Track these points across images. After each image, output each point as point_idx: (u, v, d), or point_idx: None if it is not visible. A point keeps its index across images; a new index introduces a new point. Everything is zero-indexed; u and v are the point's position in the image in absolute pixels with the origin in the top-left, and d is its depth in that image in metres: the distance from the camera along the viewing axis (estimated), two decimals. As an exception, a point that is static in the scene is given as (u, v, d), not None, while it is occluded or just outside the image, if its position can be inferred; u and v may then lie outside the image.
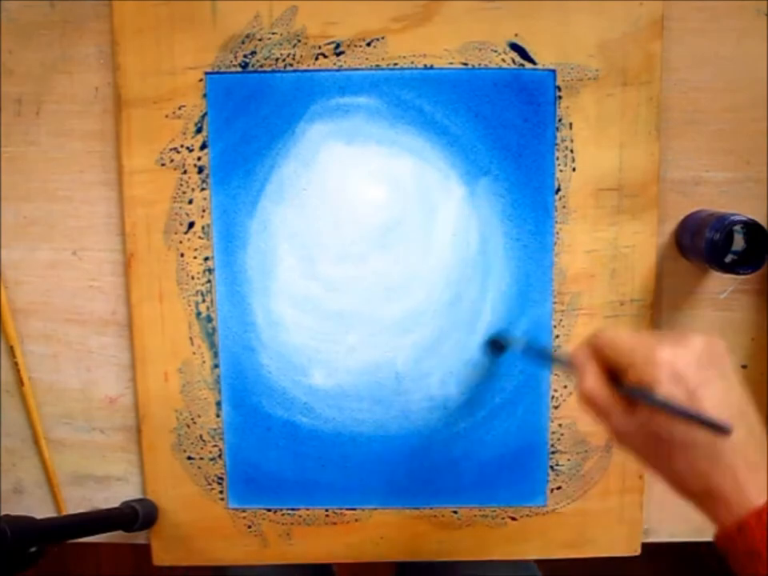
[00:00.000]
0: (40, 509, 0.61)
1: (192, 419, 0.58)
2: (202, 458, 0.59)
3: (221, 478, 0.59)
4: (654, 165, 0.55)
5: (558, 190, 0.55)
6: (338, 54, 0.54)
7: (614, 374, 0.39)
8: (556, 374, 0.57)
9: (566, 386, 0.57)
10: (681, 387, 0.36)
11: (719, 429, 0.34)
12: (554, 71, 0.54)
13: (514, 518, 0.59)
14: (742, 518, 0.35)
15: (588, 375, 0.40)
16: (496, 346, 0.56)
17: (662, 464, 0.38)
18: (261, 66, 0.54)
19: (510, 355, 0.56)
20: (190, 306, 0.57)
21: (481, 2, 0.53)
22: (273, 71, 0.54)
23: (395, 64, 0.54)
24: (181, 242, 0.56)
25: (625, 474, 0.58)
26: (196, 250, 0.56)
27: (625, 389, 0.38)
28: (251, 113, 0.55)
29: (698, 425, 0.35)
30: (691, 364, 0.36)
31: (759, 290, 0.57)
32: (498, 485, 0.59)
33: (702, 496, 0.37)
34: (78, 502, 0.61)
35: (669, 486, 0.39)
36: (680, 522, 0.60)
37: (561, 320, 0.56)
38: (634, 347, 0.38)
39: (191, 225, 0.56)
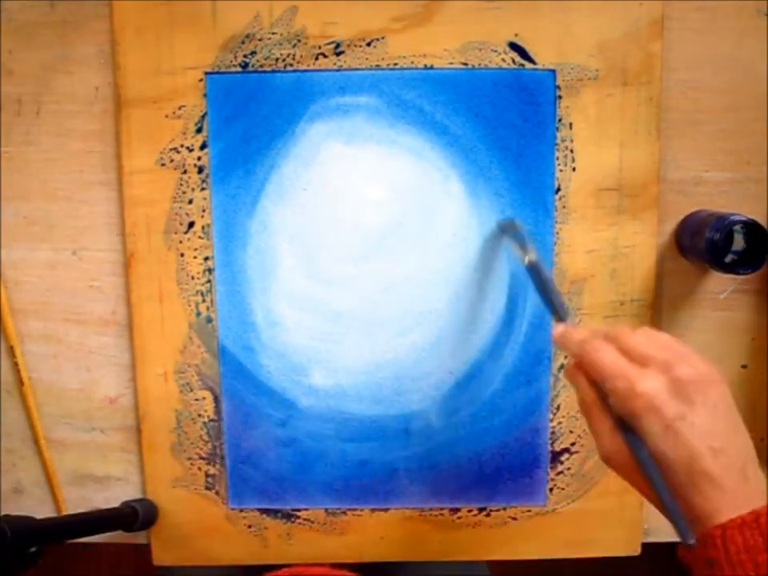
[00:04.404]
0: (40, 509, 0.61)
1: (192, 419, 0.58)
2: (202, 458, 0.59)
3: (221, 478, 0.59)
4: (654, 165, 0.55)
5: (558, 189, 0.55)
6: (338, 54, 0.54)
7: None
8: (555, 374, 0.57)
9: (565, 386, 0.57)
10: (658, 421, 0.36)
11: (682, 536, 0.35)
12: (553, 71, 0.54)
13: (514, 518, 0.59)
14: (708, 530, 0.35)
15: (580, 390, 0.40)
16: (507, 230, 0.52)
17: (641, 483, 0.39)
18: (261, 66, 0.54)
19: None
20: (190, 306, 0.57)
21: (481, 2, 0.53)
22: (273, 71, 0.54)
23: (395, 64, 0.54)
24: (181, 242, 0.56)
25: (625, 474, 0.58)
26: (196, 249, 0.56)
27: (611, 412, 0.39)
28: (251, 113, 0.55)
29: (666, 516, 0.36)
30: (670, 396, 0.36)
31: (759, 289, 0.57)
32: (498, 485, 0.59)
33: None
34: (77, 502, 0.61)
35: (645, 498, 0.40)
36: (680, 522, 0.60)
37: (561, 320, 0.56)
38: (617, 372, 0.38)
39: (191, 225, 0.56)
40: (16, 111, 0.56)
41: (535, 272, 0.48)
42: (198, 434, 0.58)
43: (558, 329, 0.43)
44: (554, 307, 0.45)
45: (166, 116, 0.55)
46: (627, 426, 0.37)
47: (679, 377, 0.37)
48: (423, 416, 0.58)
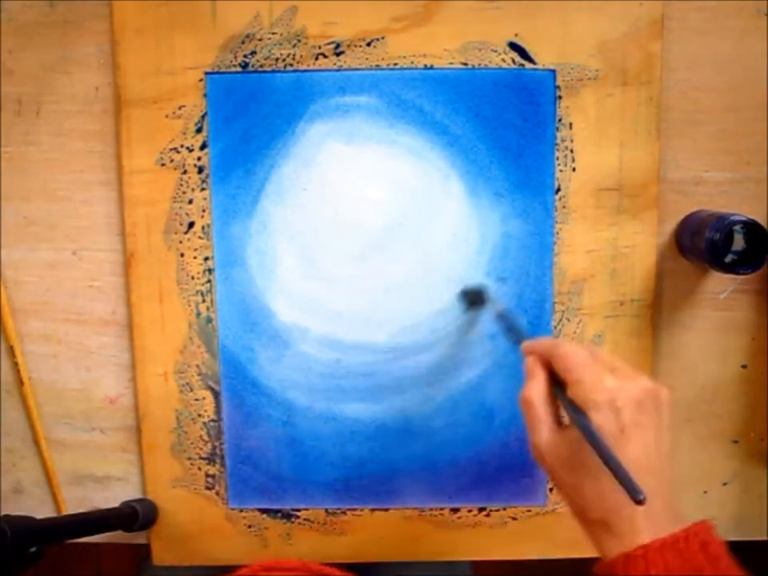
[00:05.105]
0: (40, 509, 0.61)
1: (192, 419, 0.58)
2: (202, 458, 0.59)
3: (221, 478, 0.59)
4: (654, 165, 0.55)
5: (558, 189, 0.55)
6: (337, 54, 0.54)
7: (559, 383, 0.41)
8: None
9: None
10: (615, 420, 0.37)
11: (633, 493, 0.34)
12: (553, 71, 0.54)
13: (514, 518, 0.59)
14: (630, 551, 0.36)
15: (534, 382, 0.41)
16: (472, 299, 0.55)
17: (570, 486, 0.39)
18: (261, 66, 0.54)
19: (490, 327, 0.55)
20: (190, 306, 0.57)
21: (481, 2, 0.53)
22: (273, 71, 0.54)
23: (395, 64, 0.54)
24: (181, 242, 0.56)
25: (625, 474, 0.58)
26: (196, 250, 0.56)
27: (565, 402, 0.39)
28: (251, 113, 0.55)
29: (615, 477, 0.35)
30: (632, 402, 0.38)
31: (759, 289, 0.57)
32: (498, 485, 0.59)
33: (597, 525, 0.38)
34: (78, 502, 0.61)
35: (568, 505, 0.40)
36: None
37: (561, 320, 0.56)
38: (587, 366, 0.39)
39: (191, 225, 0.56)
40: (16, 111, 0.56)
41: (504, 321, 0.52)
42: (198, 434, 0.58)
43: (526, 342, 0.45)
44: (518, 334, 0.48)
45: (166, 116, 0.55)
46: (582, 416, 0.38)
47: (643, 388, 0.38)
48: (423, 416, 0.58)
